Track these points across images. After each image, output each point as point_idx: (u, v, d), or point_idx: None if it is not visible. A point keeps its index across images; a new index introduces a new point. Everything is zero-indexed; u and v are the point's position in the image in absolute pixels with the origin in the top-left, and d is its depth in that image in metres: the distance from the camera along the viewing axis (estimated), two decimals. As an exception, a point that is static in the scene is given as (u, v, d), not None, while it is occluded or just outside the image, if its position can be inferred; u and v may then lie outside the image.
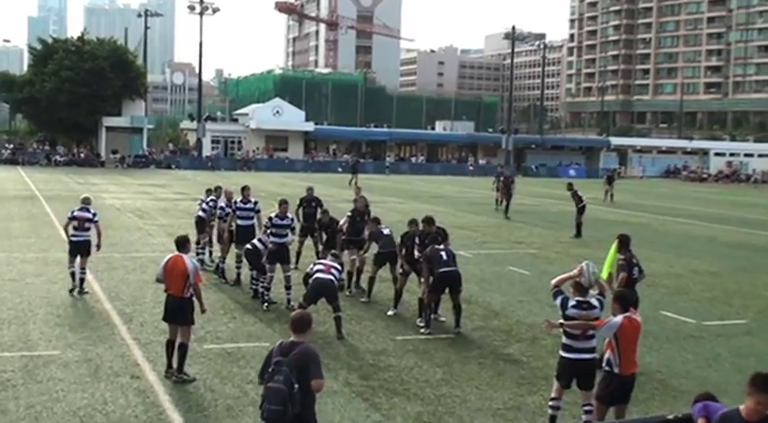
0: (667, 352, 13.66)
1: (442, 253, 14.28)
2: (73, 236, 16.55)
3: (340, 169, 77.74)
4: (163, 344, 11.64)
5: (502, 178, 39.72)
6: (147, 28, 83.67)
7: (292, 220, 16.77)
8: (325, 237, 18.42)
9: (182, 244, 11.61)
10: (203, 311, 11.55)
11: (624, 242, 13.02)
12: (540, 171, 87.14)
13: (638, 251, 13.62)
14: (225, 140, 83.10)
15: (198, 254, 20.09)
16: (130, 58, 79.37)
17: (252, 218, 18.49)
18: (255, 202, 18.69)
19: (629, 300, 9.24)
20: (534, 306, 16.67)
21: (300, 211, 20.01)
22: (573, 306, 9.43)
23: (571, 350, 9.34)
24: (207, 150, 79.23)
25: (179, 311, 11.26)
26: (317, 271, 13.98)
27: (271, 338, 13.20)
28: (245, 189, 18.97)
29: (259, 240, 16.29)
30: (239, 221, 18.49)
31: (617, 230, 31.82)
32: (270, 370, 7.13)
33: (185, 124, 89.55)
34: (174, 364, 11.18)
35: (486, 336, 14.27)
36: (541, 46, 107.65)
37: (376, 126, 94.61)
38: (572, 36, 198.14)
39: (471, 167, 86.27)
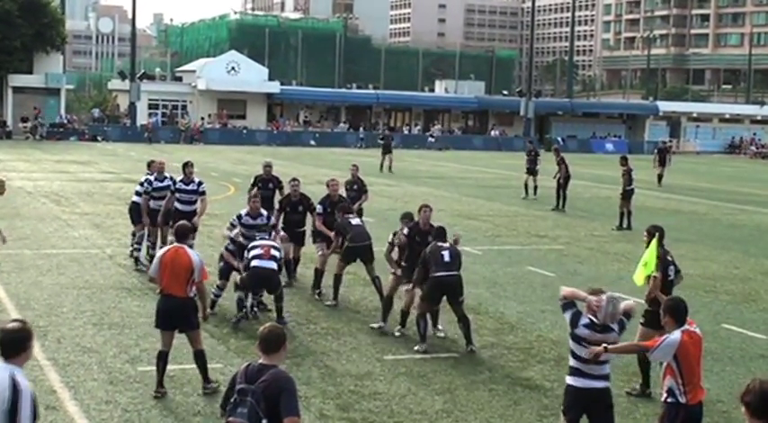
0: (731, 376, 13.75)
1: (444, 253, 14.31)
2: None
3: (313, 142, 77.70)
4: (85, 365, 11.64)
5: (532, 153, 38.52)
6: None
7: (269, 217, 16.99)
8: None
9: (184, 234, 12.27)
10: (205, 317, 12.18)
11: (656, 236, 13.11)
12: (569, 145, 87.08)
13: (692, 247, 13.66)
14: (166, 105, 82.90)
15: (133, 251, 20.17)
16: (44, -1, 78.96)
17: (194, 202, 19.06)
18: (200, 183, 19.30)
19: (684, 310, 9.23)
20: (560, 317, 16.57)
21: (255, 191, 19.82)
22: (585, 325, 9.46)
23: (581, 375, 9.40)
24: (142, 118, 78.98)
25: (181, 315, 11.71)
26: (255, 257, 15.06)
27: (224, 358, 13.23)
28: (186, 166, 19.41)
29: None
30: (178, 205, 18.96)
31: (665, 221, 31.95)
32: (233, 400, 7.12)
33: (115, 84, 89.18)
34: (169, 377, 11.68)
35: (498, 355, 14.33)
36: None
37: (359, 87, 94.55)
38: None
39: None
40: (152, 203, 19.60)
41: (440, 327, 15.27)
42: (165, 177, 19.69)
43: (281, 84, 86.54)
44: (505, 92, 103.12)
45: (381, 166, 49.37)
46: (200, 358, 11.86)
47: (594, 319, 9.46)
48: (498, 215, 32.41)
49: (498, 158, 68.34)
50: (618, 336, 9.49)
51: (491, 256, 23.27)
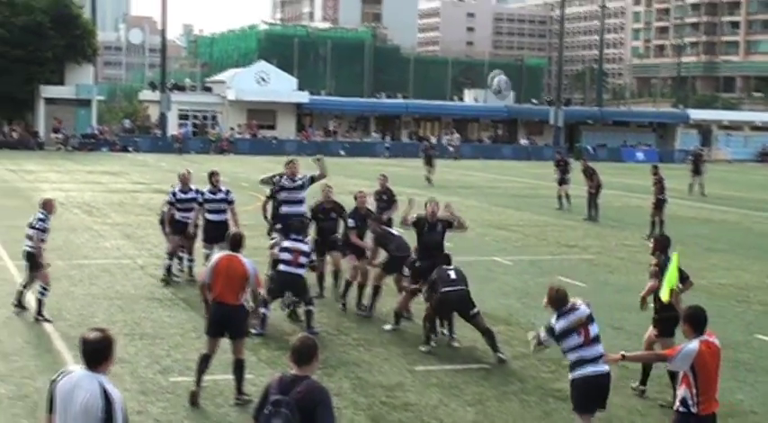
0: (764, 387, 13.67)
1: (450, 272, 14.85)
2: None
3: (342, 152, 77.77)
4: (116, 375, 11.67)
5: (561, 162, 38.42)
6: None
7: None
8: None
9: (238, 243, 12.47)
10: (253, 322, 12.70)
11: (662, 245, 13.47)
12: (599, 153, 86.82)
13: (724, 257, 13.62)
14: (196, 116, 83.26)
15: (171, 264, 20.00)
16: (75, 10, 79.40)
17: (224, 211, 19.12)
18: (228, 192, 19.35)
19: (703, 319, 9.19)
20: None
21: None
22: (558, 319, 10.17)
23: (585, 363, 9.95)
24: (173, 128, 79.38)
25: (233, 322, 11.93)
26: (283, 262, 15.30)
27: (255, 369, 13.25)
28: (213, 175, 19.42)
29: None
30: (208, 216, 19.02)
31: (697, 230, 31.85)
32: (266, 411, 7.13)
33: (145, 95, 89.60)
34: (201, 383, 11.84)
35: (530, 366, 14.30)
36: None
37: (388, 96, 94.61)
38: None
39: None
40: (177, 215, 19.59)
41: (455, 336, 15.37)
42: (190, 189, 19.70)
43: (311, 93, 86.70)
44: (535, 101, 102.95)
45: (427, 178, 48.12)
46: (239, 368, 11.98)
47: (561, 309, 10.23)
48: (528, 225, 32.34)
49: (528, 168, 68.22)
50: (588, 309, 10.27)
51: (522, 267, 23.23)
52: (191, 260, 19.85)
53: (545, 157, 77.86)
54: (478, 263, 23.22)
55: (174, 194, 19.73)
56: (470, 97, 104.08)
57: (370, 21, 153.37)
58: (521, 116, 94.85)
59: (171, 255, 19.61)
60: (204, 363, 11.98)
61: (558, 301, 10.35)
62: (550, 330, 10.25)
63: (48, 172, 48.93)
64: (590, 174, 34.29)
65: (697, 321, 9.10)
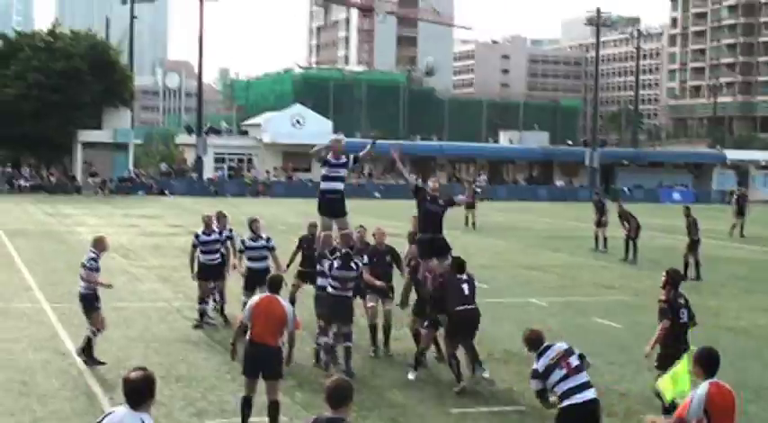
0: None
1: (464, 286, 14.67)
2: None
3: (377, 194, 77.91)
4: (152, 417, 11.68)
5: (599, 203, 38.33)
6: (133, 17, 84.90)
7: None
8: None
9: (277, 284, 12.64)
10: (288, 363, 12.94)
11: (674, 279, 13.64)
12: (635, 194, 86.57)
13: (763, 298, 13.55)
14: (232, 159, 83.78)
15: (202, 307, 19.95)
16: (113, 55, 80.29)
17: (265, 258, 18.88)
18: (268, 239, 19.10)
19: (714, 361, 8.91)
20: (628, 369, 16.55)
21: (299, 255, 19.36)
22: (539, 359, 10.62)
23: (574, 392, 10.24)
24: (209, 171, 79.98)
25: (271, 363, 12.08)
26: (330, 286, 15.41)
27: (289, 411, 13.23)
28: (253, 222, 19.29)
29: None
30: (250, 264, 18.79)
31: (735, 270, 31.59)
32: None
33: (181, 138, 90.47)
34: None
35: (566, 408, 14.15)
36: (635, 33, 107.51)
37: (423, 138, 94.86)
38: (674, 20, 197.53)
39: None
40: (202, 258, 19.54)
41: (484, 367, 15.25)
42: (213, 231, 19.71)
43: (346, 136, 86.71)
44: (570, 142, 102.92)
45: (466, 220, 46.32)
46: (274, 410, 12.07)
47: (542, 348, 10.72)
48: (564, 266, 32.21)
49: (563, 209, 67.96)
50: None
51: (557, 308, 23.13)
52: (222, 301, 19.86)
53: (580, 198, 77.67)
54: (513, 304, 23.15)
55: (197, 237, 19.75)
56: (505, 139, 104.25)
57: (405, 63, 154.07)
58: (556, 157, 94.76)
59: (201, 300, 19.57)
60: (247, 406, 12.15)
61: (536, 341, 10.86)
62: (535, 372, 10.60)
63: (85, 215, 49.32)
64: (626, 218, 34.16)
65: (709, 363, 8.84)
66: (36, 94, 72.50)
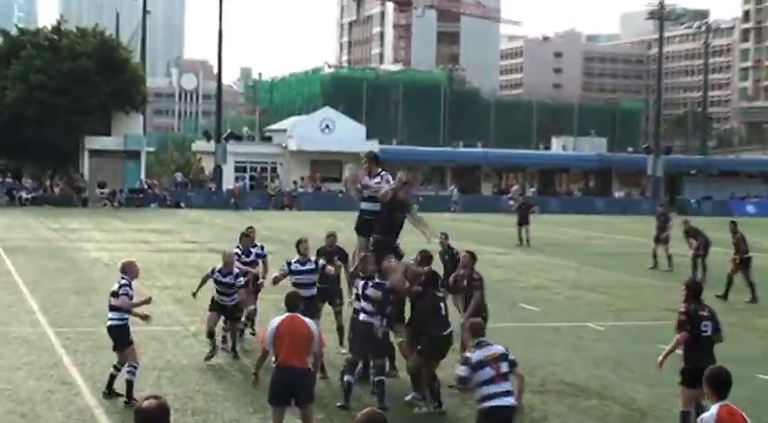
0: None
1: (441, 305, 15.25)
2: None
3: (416, 206, 77.69)
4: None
5: (662, 217, 38.09)
6: (146, 12, 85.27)
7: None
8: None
9: (295, 303, 12.76)
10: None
11: (694, 291, 13.99)
12: (704, 207, 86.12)
13: None
14: (254, 168, 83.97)
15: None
16: (123, 54, 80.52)
17: (314, 284, 18.35)
18: (316, 262, 18.50)
19: (726, 382, 9.00)
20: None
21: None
22: (475, 349, 11.64)
23: (494, 396, 11.31)
24: (229, 182, 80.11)
25: (301, 386, 12.16)
26: (363, 311, 15.47)
27: (318, 447, 13.21)
28: (300, 243, 18.69)
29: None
30: (300, 291, 17.69)
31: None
32: None
33: (199, 146, 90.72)
34: None
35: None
36: (703, 28, 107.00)
37: (466, 145, 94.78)
38: (746, 13, 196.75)
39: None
40: (216, 297, 18.84)
41: (427, 405, 15.36)
42: (230, 272, 18.72)
43: (380, 142, 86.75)
44: (630, 148, 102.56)
45: (519, 238, 46.23)
46: None
47: (477, 342, 11.81)
48: (623, 287, 32.01)
49: (623, 223, 67.59)
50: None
51: (615, 333, 22.98)
52: (251, 327, 19.94)
53: (642, 211, 77.12)
54: (568, 329, 23.03)
55: (212, 272, 18.97)
56: (558, 145, 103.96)
57: (446, 62, 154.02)
58: (615, 165, 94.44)
59: (210, 334, 18.72)
60: None
61: (481, 332, 12.12)
62: (467, 360, 11.60)
63: (92, 230, 49.46)
64: (693, 235, 33.87)
65: (719, 385, 8.93)
66: (39, 96, 72.67)
